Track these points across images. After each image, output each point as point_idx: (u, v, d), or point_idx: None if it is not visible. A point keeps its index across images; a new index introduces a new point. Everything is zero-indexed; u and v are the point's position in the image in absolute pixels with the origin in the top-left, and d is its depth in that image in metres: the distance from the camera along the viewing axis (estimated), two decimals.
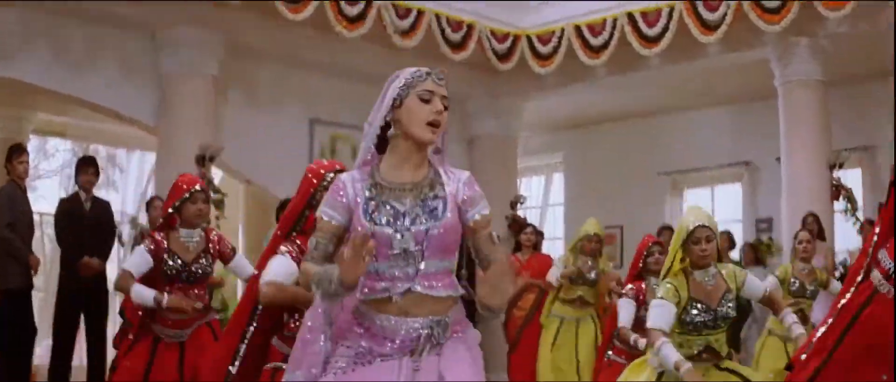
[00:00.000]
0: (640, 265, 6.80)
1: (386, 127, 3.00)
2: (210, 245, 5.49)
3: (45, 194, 11.81)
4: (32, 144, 11.44)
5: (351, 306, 2.94)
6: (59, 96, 10.28)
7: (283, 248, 4.11)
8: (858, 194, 11.07)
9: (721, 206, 13.65)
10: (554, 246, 14.49)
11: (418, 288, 2.89)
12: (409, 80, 2.95)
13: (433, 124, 2.93)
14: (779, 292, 7.44)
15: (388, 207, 2.93)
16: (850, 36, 10.23)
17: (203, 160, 9.80)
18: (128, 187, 12.77)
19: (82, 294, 8.38)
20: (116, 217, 9.45)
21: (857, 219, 10.54)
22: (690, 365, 4.65)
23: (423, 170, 3.02)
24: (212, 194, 9.95)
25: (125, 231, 9.90)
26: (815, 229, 9.96)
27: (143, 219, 9.62)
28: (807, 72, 10.59)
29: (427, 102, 2.94)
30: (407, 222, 2.92)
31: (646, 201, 13.62)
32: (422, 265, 2.90)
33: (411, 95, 2.95)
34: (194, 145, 9.82)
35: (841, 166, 10.64)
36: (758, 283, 5.24)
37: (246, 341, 4.18)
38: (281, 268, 3.97)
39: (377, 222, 2.91)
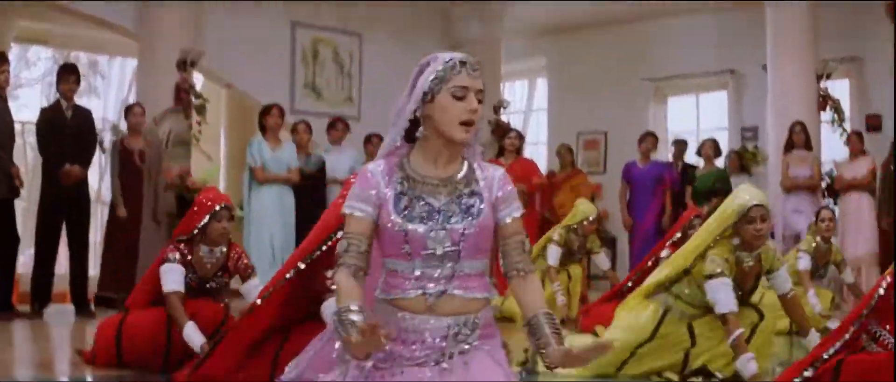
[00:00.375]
0: (679, 236, 6.67)
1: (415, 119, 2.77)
2: (230, 262, 5.41)
3: (28, 103, 11.61)
4: (14, 52, 11.19)
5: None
6: (40, 4, 10.10)
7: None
8: (845, 106, 11.04)
9: (705, 114, 13.64)
10: (537, 151, 14.51)
11: (456, 291, 2.69)
12: (442, 73, 2.69)
13: (467, 124, 2.70)
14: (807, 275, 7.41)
15: (422, 202, 2.71)
16: None
17: (184, 65, 9.68)
18: (109, 94, 12.58)
19: (64, 203, 8.31)
20: (98, 124, 9.34)
21: (844, 130, 10.53)
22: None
23: (455, 164, 2.80)
24: (193, 100, 9.86)
25: (106, 138, 9.77)
26: (803, 138, 9.99)
27: (124, 126, 9.50)
28: None
29: (461, 99, 2.70)
30: (441, 219, 2.70)
31: (629, 108, 13.55)
32: (458, 266, 2.70)
33: (444, 92, 2.69)
34: (175, 51, 9.68)
35: (828, 77, 10.58)
36: (785, 278, 5.03)
37: None
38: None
39: (410, 219, 2.69)
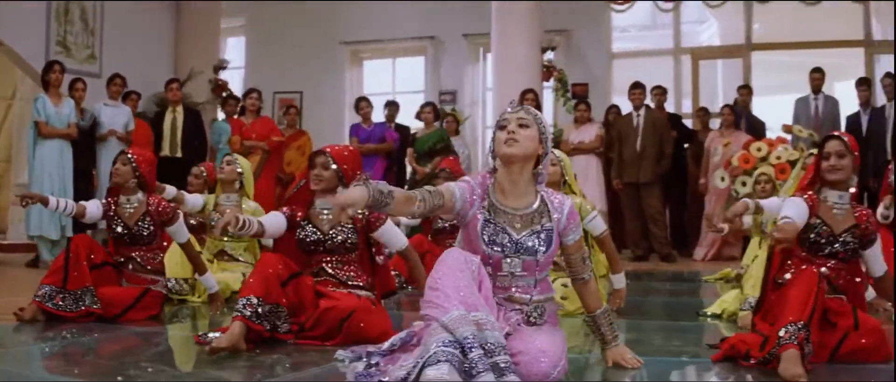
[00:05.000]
0: None
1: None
2: (150, 208, 5.57)
3: None
4: None
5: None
6: None
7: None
8: None
9: (402, 78, 14.41)
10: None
11: (523, 296, 3.51)
12: (498, 120, 3.58)
13: (508, 141, 3.47)
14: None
15: (503, 233, 3.47)
16: None
17: None
18: None
19: None
20: None
21: (568, 99, 11.82)
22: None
23: (530, 197, 3.56)
24: None
25: None
26: (536, 104, 11.10)
27: None
28: None
29: (503, 128, 3.51)
30: (517, 250, 3.47)
31: (325, 70, 14.08)
32: (523, 282, 3.50)
33: (496, 130, 3.56)
34: None
35: (553, 49, 11.80)
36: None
37: None
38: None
39: (492, 245, 3.45)
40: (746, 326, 4.81)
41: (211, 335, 4.27)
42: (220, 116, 12.21)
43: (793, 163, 8.69)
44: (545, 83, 11.84)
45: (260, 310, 4.11)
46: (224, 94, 12.47)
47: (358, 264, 4.63)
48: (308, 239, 4.60)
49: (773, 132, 11.10)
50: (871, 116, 10.40)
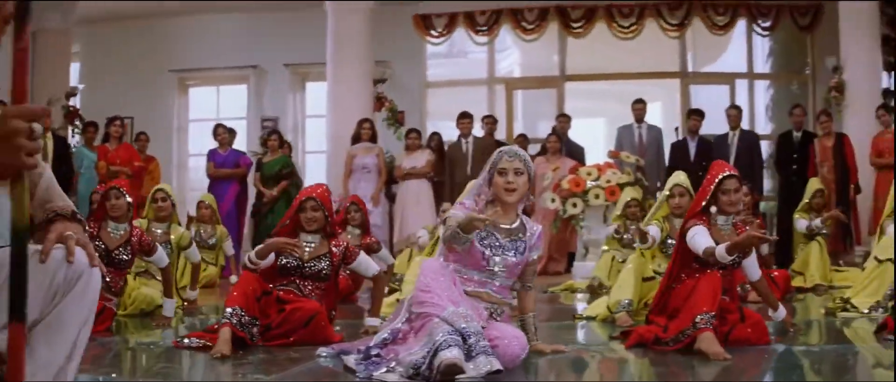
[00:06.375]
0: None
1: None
2: (133, 238, 6.26)
3: None
4: None
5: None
6: None
7: None
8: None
9: (226, 105, 14.67)
10: None
11: (495, 295, 4.42)
12: (494, 160, 4.46)
13: (508, 190, 4.40)
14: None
15: (493, 238, 4.39)
16: None
17: None
18: None
19: None
20: None
21: (398, 127, 12.42)
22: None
23: (512, 216, 4.50)
24: None
25: None
26: (370, 133, 11.63)
27: None
28: None
29: (502, 175, 4.42)
30: (502, 251, 4.39)
31: (155, 96, 14.25)
32: (501, 282, 4.44)
33: (494, 175, 4.44)
34: None
35: (384, 81, 12.40)
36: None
37: None
38: None
39: (484, 246, 4.35)
40: (624, 323, 5.71)
41: (187, 341, 4.96)
42: (73, 140, 12.19)
43: (621, 185, 9.64)
44: (376, 112, 12.39)
45: (242, 320, 4.78)
46: (76, 120, 12.47)
47: (324, 291, 5.35)
48: (289, 265, 5.27)
49: (591, 156, 12.11)
50: (700, 143, 11.47)
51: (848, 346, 5.06)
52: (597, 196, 9.86)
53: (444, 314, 3.91)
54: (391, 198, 12.03)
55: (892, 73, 12.67)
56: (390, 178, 11.96)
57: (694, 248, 4.85)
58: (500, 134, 13.51)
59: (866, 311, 6.22)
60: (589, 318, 6.32)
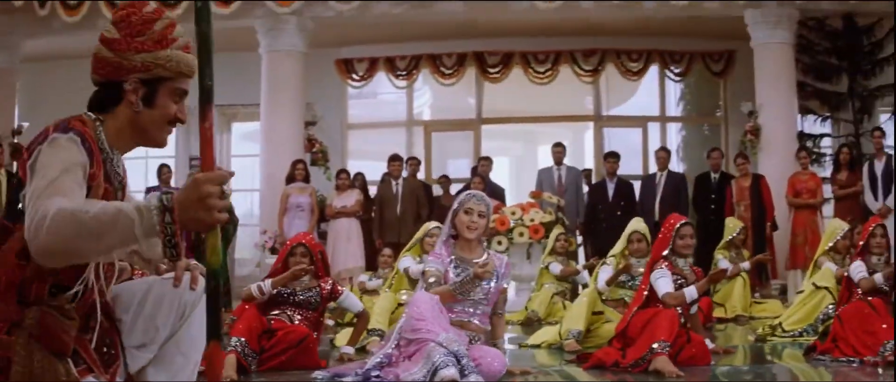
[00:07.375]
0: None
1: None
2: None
3: None
4: None
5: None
6: None
7: None
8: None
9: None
10: None
11: (475, 321, 5.15)
12: (462, 201, 5.21)
13: (470, 228, 5.16)
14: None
15: (467, 273, 5.05)
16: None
17: None
18: None
19: None
20: None
21: (327, 168, 13.01)
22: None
23: (479, 251, 5.27)
24: None
25: None
26: (304, 174, 12.16)
27: None
28: (292, 43, 12.64)
29: (468, 214, 5.18)
30: (478, 281, 5.05)
31: None
32: (483, 310, 5.17)
33: (459, 212, 5.20)
34: None
35: (314, 124, 13.01)
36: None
37: None
38: None
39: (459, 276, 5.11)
40: (572, 349, 6.50)
41: None
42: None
43: (545, 224, 10.45)
44: (307, 153, 12.96)
45: (246, 350, 5.42)
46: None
47: (311, 323, 6.06)
48: (283, 294, 6.05)
49: (511, 197, 12.92)
50: (618, 183, 12.13)
51: (781, 365, 5.99)
52: (521, 234, 10.62)
53: (439, 338, 4.60)
54: (322, 236, 12.55)
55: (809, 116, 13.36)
56: (321, 216, 12.48)
57: (656, 289, 5.72)
58: (421, 174, 14.17)
59: (799, 333, 7.10)
60: (534, 345, 7.04)
